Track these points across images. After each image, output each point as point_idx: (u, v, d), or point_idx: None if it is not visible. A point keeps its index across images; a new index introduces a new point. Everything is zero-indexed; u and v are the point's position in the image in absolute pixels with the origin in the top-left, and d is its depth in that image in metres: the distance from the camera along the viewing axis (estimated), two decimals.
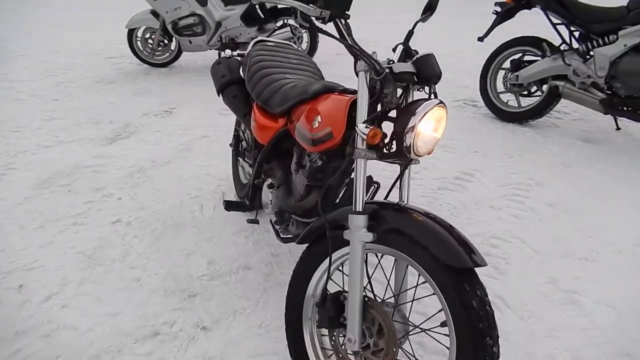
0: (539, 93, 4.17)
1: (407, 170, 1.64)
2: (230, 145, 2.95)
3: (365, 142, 1.48)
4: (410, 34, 1.64)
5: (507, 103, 4.38)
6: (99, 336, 2.06)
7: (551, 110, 4.13)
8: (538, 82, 4.08)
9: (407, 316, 1.64)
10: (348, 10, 1.51)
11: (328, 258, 1.58)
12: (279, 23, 5.87)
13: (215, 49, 5.82)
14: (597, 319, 2.10)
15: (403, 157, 1.53)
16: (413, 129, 1.45)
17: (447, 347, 1.43)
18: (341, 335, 1.59)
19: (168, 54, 6.13)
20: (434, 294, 1.45)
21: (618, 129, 4.05)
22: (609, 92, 3.64)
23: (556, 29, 3.86)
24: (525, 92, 4.25)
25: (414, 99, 1.54)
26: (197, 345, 2.02)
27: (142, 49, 6.06)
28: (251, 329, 2.09)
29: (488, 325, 1.34)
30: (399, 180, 1.66)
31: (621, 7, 3.57)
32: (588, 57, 3.69)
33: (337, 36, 1.49)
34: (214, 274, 2.44)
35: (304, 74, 2.36)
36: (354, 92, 1.86)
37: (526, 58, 4.15)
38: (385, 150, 1.56)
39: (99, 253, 2.60)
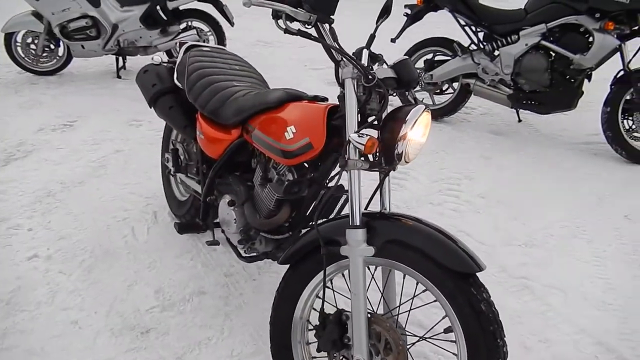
0: (450, 90, 4.41)
1: (387, 178, 1.60)
2: (164, 160, 2.69)
3: (358, 152, 1.41)
4: (372, 37, 1.60)
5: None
6: None
7: (463, 107, 4.39)
8: (450, 80, 4.31)
9: (405, 327, 1.60)
10: (333, 14, 1.43)
11: (322, 277, 1.48)
12: (183, 25, 5.55)
13: (113, 54, 5.35)
14: (550, 301, 2.25)
15: (391, 164, 1.49)
16: (405, 136, 1.41)
17: (454, 354, 1.42)
18: (342, 357, 1.50)
19: (55, 60, 5.48)
20: (435, 301, 1.43)
21: (520, 121, 4.42)
22: (515, 88, 3.96)
23: (465, 30, 4.11)
24: (438, 91, 4.47)
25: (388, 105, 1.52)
26: None
27: (23, 56, 5.35)
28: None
29: (498, 327, 1.35)
30: (379, 189, 1.62)
31: (519, 10, 3.89)
32: (495, 56, 3.98)
33: (326, 41, 1.40)
34: (165, 304, 2.20)
35: (249, 80, 2.22)
36: (322, 99, 1.79)
37: (438, 58, 4.36)
38: (371, 159, 1.51)
39: (18, 297, 2.22)
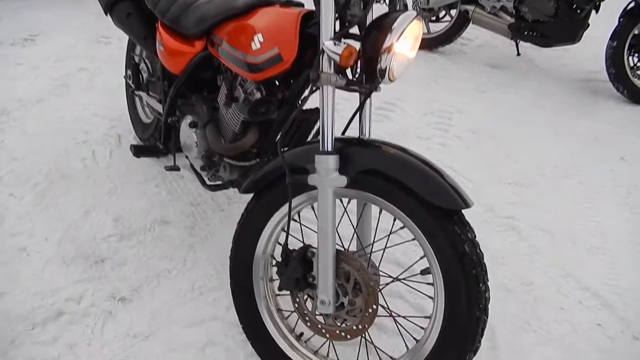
0: (447, 18, 4.09)
1: (368, 100, 1.39)
2: (126, 77, 2.43)
3: (334, 64, 1.18)
4: None
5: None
6: None
7: (459, 36, 4.08)
8: (447, 6, 3.98)
9: (378, 267, 1.45)
10: None
11: (287, 209, 1.30)
12: None
13: None
14: (536, 243, 2.12)
15: (373, 83, 1.28)
16: (390, 48, 1.18)
17: (431, 297, 1.28)
18: (307, 296, 1.35)
19: None
20: (413, 239, 1.26)
21: (519, 54, 4.12)
22: (517, 16, 3.65)
23: None
24: (434, 18, 4.14)
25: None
26: (116, 321, 1.67)
27: None
28: (182, 294, 1.78)
29: (481, 271, 1.19)
30: (359, 113, 1.41)
31: None
32: None
33: None
34: (123, 233, 2.03)
35: None
36: (297, 4, 1.53)
37: None
38: (350, 76, 1.28)
39: None
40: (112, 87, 3.08)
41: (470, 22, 3.88)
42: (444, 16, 4.13)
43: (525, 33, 3.65)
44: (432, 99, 3.31)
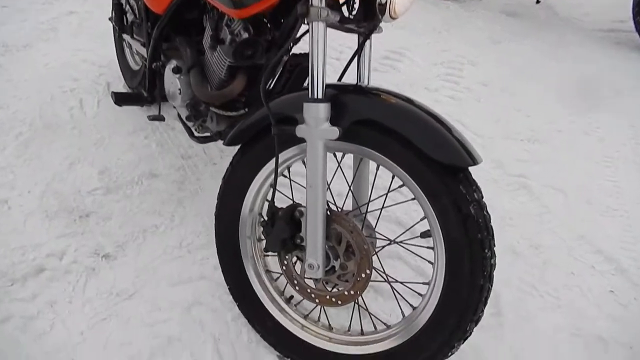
0: None
1: (368, 42, 1.23)
2: (111, 19, 2.25)
3: None
4: None
5: None
6: None
7: None
8: None
9: (375, 228, 1.33)
10: None
11: (274, 163, 1.17)
12: None
13: None
14: (548, 202, 1.99)
15: (372, 20, 1.11)
16: None
17: (430, 262, 1.16)
18: (296, 257, 1.25)
19: None
20: (413, 199, 1.13)
21: (538, 2, 3.87)
22: None
23: None
24: None
25: None
26: (100, 278, 1.58)
27: None
28: (169, 251, 1.69)
29: (487, 235, 1.07)
30: (357, 57, 1.25)
31: None
32: None
33: None
34: (110, 186, 1.93)
35: None
36: None
37: None
38: (346, 13, 1.12)
39: None
40: (102, 32, 2.89)
41: None
42: None
43: None
44: (442, 49, 3.10)
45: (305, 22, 1.07)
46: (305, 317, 1.35)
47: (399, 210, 1.86)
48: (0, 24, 3.01)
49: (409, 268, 1.66)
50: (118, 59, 2.42)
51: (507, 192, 2.03)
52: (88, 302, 1.50)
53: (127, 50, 2.37)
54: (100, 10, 3.21)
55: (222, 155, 2.10)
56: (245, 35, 1.34)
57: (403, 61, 2.92)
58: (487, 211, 1.09)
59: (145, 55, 1.83)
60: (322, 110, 1.05)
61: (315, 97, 1.05)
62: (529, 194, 2.03)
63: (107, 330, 1.43)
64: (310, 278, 1.20)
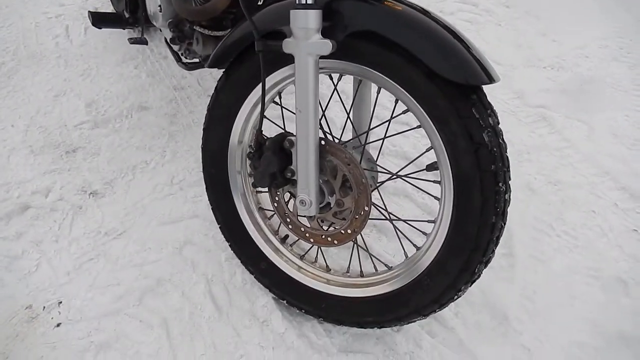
0: None
1: None
2: None
3: None
4: None
5: None
6: None
7: None
8: None
9: (376, 161, 1.20)
10: None
11: (260, 86, 1.02)
12: None
13: None
14: (570, 136, 1.82)
15: None
16: None
17: (437, 198, 1.04)
18: (288, 193, 1.13)
19: None
20: (419, 126, 0.99)
21: None
22: None
23: None
24: None
25: None
26: (87, 216, 1.50)
27: None
28: (159, 188, 1.59)
29: (502, 167, 0.93)
30: None
31: None
32: None
33: None
34: (97, 119, 1.80)
35: None
36: None
37: None
38: None
39: None
40: None
41: None
42: None
43: None
44: None
45: None
46: (302, 257, 1.25)
47: (406, 143, 1.72)
48: None
49: (415, 205, 1.55)
50: None
51: (525, 125, 1.87)
52: (75, 242, 1.43)
53: None
54: None
55: None
56: None
57: None
58: (502, 139, 0.95)
59: None
60: (311, 18, 0.89)
61: (304, 2, 0.89)
62: (550, 126, 1.86)
63: (95, 270, 1.36)
64: (303, 216, 1.08)
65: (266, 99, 1.05)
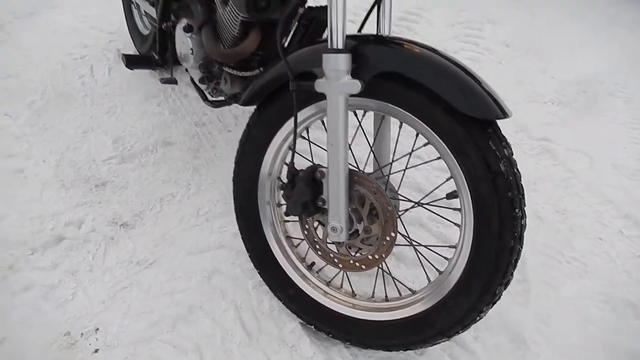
0: None
1: None
2: None
3: None
4: None
5: None
6: None
7: None
8: None
9: (397, 190, 1.29)
10: None
11: (291, 123, 1.12)
12: None
13: None
14: (573, 167, 1.92)
15: None
16: None
17: (457, 224, 1.12)
18: (317, 222, 1.21)
19: None
20: (439, 158, 1.08)
21: None
22: None
23: None
24: None
25: None
26: (119, 247, 1.57)
27: None
28: (186, 220, 1.66)
29: (518, 194, 1.02)
30: (376, 6, 1.18)
31: None
32: None
33: None
34: (124, 154, 1.90)
35: None
36: None
37: None
38: None
39: None
40: None
41: None
42: None
43: None
44: (460, 9, 2.97)
45: None
46: (328, 283, 1.32)
47: (419, 175, 1.81)
48: None
49: (430, 235, 1.62)
50: (127, 24, 2.36)
51: (530, 157, 1.97)
52: (108, 271, 1.50)
53: (135, 14, 2.31)
54: None
55: (236, 122, 2.06)
56: None
57: (419, 22, 2.81)
58: (517, 169, 1.03)
59: (155, 16, 1.77)
60: (342, 61, 0.99)
61: (335, 47, 0.99)
62: (553, 158, 1.96)
63: (129, 298, 1.42)
64: (333, 242, 1.16)
65: (297, 135, 1.14)
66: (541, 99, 2.27)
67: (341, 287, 1.32)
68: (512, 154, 1.05)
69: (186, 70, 1.71)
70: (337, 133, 1.04)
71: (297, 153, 1.19)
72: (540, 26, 2.83)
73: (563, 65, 2.50)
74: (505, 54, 2.58)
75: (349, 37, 1.03)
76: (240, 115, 2.08)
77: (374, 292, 1.29)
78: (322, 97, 1.08)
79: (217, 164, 1.87)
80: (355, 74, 1.02)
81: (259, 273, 1.38)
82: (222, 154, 1.91)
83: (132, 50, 2.42)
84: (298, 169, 1.16)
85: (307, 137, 1.28)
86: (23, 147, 1.91)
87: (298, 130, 1.21)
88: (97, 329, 1.34)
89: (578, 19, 2.94)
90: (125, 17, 2.35)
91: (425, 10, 2.88)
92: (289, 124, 1.20)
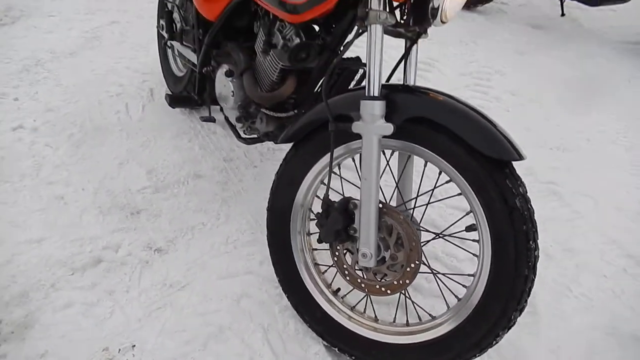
0: None
1: (415, 46, 1.31)
2: (159, 27, 2.37)
3: (385, 0, 1.11)
4: None
5: None
6: (23, 269, 1.64)
7: None
8: None
9: (420, 223, 1.41)
10: None
11: (326, 160, 1.26)
12: None
13: None
14: (579, 208, 2.04)
15: (422, 25, 1.20)
16: None
17: (475, 255, 1.23)
18: (346, 249, 1.32)
19: None
20: (459, 194, 1.21)
21: (563, 14, 3.94)
22: None
23: None
24: None
25: None
26: (154, 270, 1.67)
27: None
28: (216, 247, 1.77)
29: (532, 227, 1.13)
30: (404, 60, 1.33)
31: None
32: None
33: None
34: (158, 185, 2.03)
35: None
36: None
37: None
38: (398, 18, 1.21)
39: (1, 167, 2.06)
40: (143, 42, 3.05)
41: None
42: None
43: None
44: (470, 60, 3.18)
45: (363, 25, 1.16)
46: (352, 308, 1.42)
47: (434, 212, 1.93)
48: (48, 32, 3.17)
49: (446, 267, 1.72)
50: (161, 66, 2.54)
51: (538, 198, 2.09)
52: (144, 292, 1.59)
53: (170, 58, 2.49)
54: (140, 21, 3.37)
55: (262, 158, 2.20)
56: (297, 40, 1.44)
57: (432, 71, 3.00)
58: (531, 205, 1.16)
59: (195, 61, 1.95)
60: (378, 107, 1.14)
61: (372, 95, 1.14)
62: (560, 200, 2.09)
63: (163, 317, 1.52)
64: (363, 267, 1.27)
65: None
66: (546, 145, 2.41)
67: (364, 312, 1.42)
68: (527, 191, 1.17)
69: (221, 109, 1.86)
70: (371, 169, 1.17)
71: (327, 186, 1.31)
72: (543, 78, 3.02)
73: (566, 114, 2.66)
74: (512, 102, 2.75)
75: (382, 86, 1.18)
76: (265, 152, 2.23)
77: (395, 317, 1.39)
78: (353, 138, 1.22)
79: (244, 197, 2.00)
80: (387, 118, 1.16)
81: (287, 297, 1.48)
82: (248, 188, 2.04)
83: (164, 89, 2.59)
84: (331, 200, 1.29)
85: (338, 173, 1.41)
86: (63, 176, 2.05)
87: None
88: (134, 346, 1.43)
89: (578, 70, 3.13)
90: (160, 59, 2.53)
91: (437, 60, 3.08)
92: (322, 161, 1.33)
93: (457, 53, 3.25)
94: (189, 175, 2.08)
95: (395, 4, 1.18)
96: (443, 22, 1.18)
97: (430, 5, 1.13)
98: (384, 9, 1.12)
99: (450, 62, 3.12)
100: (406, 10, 1.21)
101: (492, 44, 3.43)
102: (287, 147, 1.40)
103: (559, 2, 3.80)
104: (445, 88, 2.74)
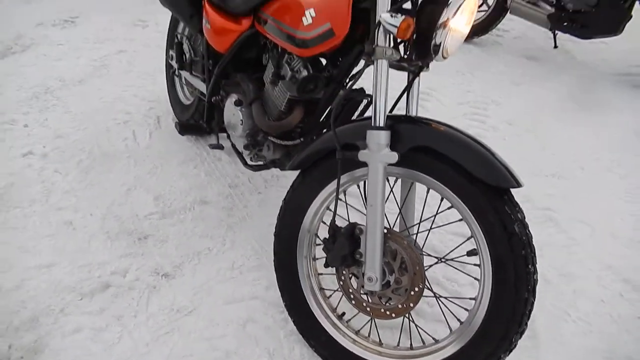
0: (484, 8, 4.02)
1: (417, 79, 1.39)
2: (168, 57, 2.46)
3: (390, 37, 1.19)
4: None
5: None
6: (32, 294, 1.67)
7: (496, 27, 4.02)
8: None
9: (422, 248, 1.45)
10: None
11: (333, 187, 1.31)
12: None
13: None
14: (575, 235, 2.09)
15: (424, 59, 1.28)
16: (446, 24, 1.18)
17: (476, 278, 1.28)
18: (351, 274, 1.36)
19: None
20: (460, 220, 1.26)
21: (556, 47, 4.04)
22: (557, 6, 3.57)
23: None
24: None
25: None
26: (161, 295, 1.71)
27: None
28: (222, 272, 1.81)
29: (530, 252, 1.19)
30: (407, 91, 1.41)
31: None
32: None
33: None
34: (164, 211, 2.07)
35: None
36: None
37: None
38: (401, 53, 1.28)
39: (11, 193, 2.11)
40: (150, 70, 3.13)
41: (508, 12, 3.82)
42: (481, 5, 4.06)
43: (565, 24, 3.57)
44: (466, 90, 3.27)
45: (369, 59, 1.23)
46: (357, 332, 1.45)
47: (435, 238, 1.98)
48: (57, 60, 3.25)
49: (447, 292, 1.76)
50: (169, 94, 2.62)
51: (535, 225, 2.11)
52: (152, 317, 1.62)
53: (178, 86, 2.57)
54: (147, 49, 3.47)
55: (266, 185, 2.25)
56: (305, 72, 1.52)
57: (430, 101, 3.09)
58: (529, 230, 1.21)
59: (204, 90, 2.02)
60: (383, 137, 1.20)
61: (378, 125, 1.20)
62: (557, 226, 2.14)
63: (170, 342, 1.54)
64: (368, 291, 1.31)
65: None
66: (542, 173, 2.48)
67: (369, 336, 1.45)
68: (525, 217, 1.23)
69: (228, 137, 1.93)
70: (376, 196, 1.23)
71: (334, 212, 1.36)
72: (538, 108, 3.11)
73: (561, 143, 2.73)
74: (508, 132, 2.83)
75: (387, 116, 1.24)
76: (269, 179, 2.28)
77: (399, 341, 1.42)
78: (357, 166, 1.28)
79: (249, 223, 2.04)
80: (392, 147, 1.22)
81: (293, 322, 1.52)
82: (253, 214, 2.09)
83: (170, 117, 2.66)
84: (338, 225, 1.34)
85: (343, 199, 1.46)
86: (72, 201, 2.09)
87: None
88: None
89: (571, 101, 3.22)
90: (168, 88, 2.61)
91: (435, 90, 3.17)
92: (328, 188, 1.39)
93: (455, 83, 3.35)
94: (195, 202, 2.13)
95: (399, 40, 1.26)
96: (444, 58, 1.26)
97: (433, 42, 1.21)
98: (390, 45, 1.20)
99: (448, 91, 3.21)
100: (408, 47, 1.29)
101: (488, 75, 3.53)
102: (290, 174, 1.46)
103: (552, 35, 3.92)
104: (443, 116, 2.81)
